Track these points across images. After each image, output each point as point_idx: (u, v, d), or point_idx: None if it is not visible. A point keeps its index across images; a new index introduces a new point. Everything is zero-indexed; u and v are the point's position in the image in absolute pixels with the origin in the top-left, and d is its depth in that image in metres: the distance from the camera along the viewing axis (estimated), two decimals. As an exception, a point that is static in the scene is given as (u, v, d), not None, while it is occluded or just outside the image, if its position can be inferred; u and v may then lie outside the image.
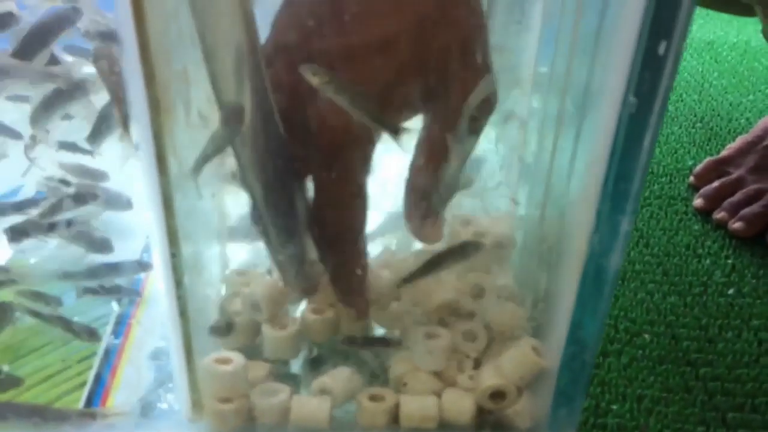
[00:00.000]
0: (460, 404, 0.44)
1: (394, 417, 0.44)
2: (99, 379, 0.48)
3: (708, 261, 0.65)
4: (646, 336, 0.56)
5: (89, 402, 0.47)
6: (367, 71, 0.37)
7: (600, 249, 0.37)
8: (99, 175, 0.55)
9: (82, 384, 0.48)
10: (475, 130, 0.39)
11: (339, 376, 0.44)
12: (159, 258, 0.37)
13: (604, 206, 0.36)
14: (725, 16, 1.18)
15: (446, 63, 0.38)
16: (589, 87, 0.37)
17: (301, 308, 0.47)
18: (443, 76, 0.38)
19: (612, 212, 0.37)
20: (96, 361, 0.50)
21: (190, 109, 0.36)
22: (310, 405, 0.43)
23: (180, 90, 0.35)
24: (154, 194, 0.34)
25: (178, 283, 0.37)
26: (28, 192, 0.62)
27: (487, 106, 0.39)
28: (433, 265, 0.43)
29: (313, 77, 0.35)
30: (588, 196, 0.37)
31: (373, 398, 0.44)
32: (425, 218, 0.42)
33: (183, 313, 0.39)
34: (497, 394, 0.44)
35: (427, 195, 0.41)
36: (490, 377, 0.44)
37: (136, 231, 0.60)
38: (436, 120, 0.40)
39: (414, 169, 0.42)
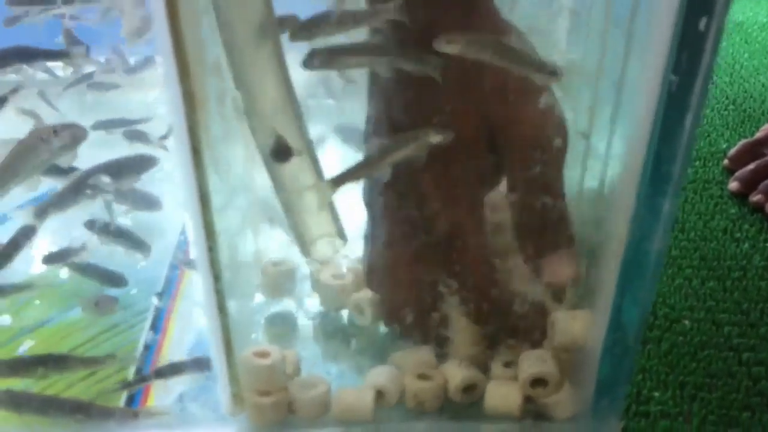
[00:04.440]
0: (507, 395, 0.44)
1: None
2: (139, 375, 0.49)
3: (746, 245, 0.63)
4: (686, 322, 0.55)
5: (130, 398, 0.47)
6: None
7: (641, 233, 0.37)
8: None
9: (123, 380, 0.48)
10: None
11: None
12: (197, 253, 0.37)
13: (644, 189, 0.36)
14: (755, -4, 1.15)
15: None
16: (626, 65, 0.37)
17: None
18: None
19: (653, 195, 0.36)
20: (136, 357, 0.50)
21: (224, 102, 0.36)
22: (349, 397, 0.43)
23: (213, 83, 0.35)
24: (190, 188, 0.34)
25: (217, 277, 0.37)
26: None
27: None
28: None
29: (449, 46, 0.36)
30: (628, 178, 0.36)
31: (422, 377, 0.44)
32: (543, 255, 0.42)
33: (222, 307, 0.39)
34: (538, 382, 0.43)
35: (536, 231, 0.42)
36: (531, 365, 0.43)
37: (167, 230, 0.60)
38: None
39: (515, 207, 0.42)
